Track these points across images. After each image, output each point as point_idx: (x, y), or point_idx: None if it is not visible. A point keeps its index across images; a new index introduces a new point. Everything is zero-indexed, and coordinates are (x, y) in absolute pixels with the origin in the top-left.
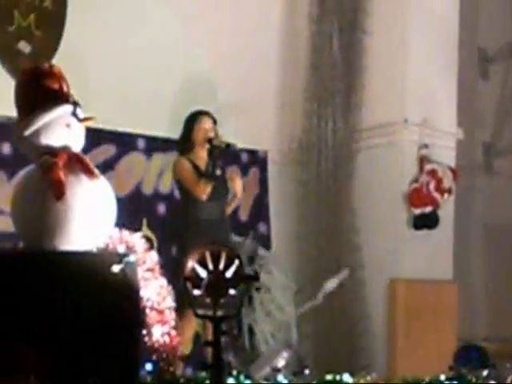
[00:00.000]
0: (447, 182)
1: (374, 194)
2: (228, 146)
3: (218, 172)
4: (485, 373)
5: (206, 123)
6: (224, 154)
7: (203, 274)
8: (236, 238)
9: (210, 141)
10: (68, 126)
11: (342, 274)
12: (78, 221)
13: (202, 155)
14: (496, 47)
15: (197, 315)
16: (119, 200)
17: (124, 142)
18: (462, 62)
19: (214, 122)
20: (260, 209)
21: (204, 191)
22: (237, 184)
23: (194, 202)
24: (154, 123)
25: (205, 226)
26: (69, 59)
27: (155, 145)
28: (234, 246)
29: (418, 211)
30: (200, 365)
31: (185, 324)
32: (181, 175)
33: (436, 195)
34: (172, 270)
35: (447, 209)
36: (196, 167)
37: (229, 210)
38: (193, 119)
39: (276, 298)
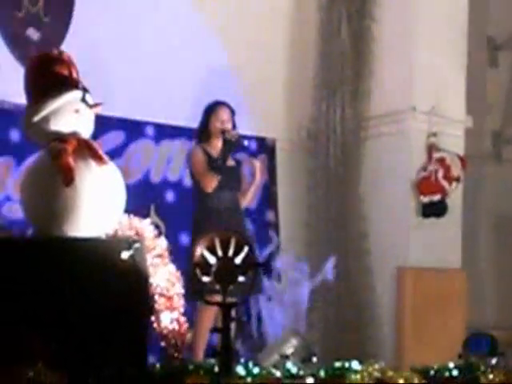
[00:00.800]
0: (456, 170)
1: (382, 182)
2: (237, 136)
3: (232, 163)
4: (494, 361)
5: (224, 114)
6: (235, 147)
7: (212, 260)
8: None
9: (223, 133)
10: (77, 111)
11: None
12: (87, 207)
13: (217, 145)
14: (505, 35)
15: (206, 302)
16: (127, 187)
17: (133, 129)
18: (471, 50)
19: (232, 112)
20: (268, 197)
21: (210, 183)
22: (257, 167)
23: (205, 191)
24: (163, 110)
25: (217, 215)
26: (78, 46)
27: (164, 132)
28: (246, 235)
29: (426, 199)
30: (209, 351)
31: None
32: (192, 165)
33: (444, 183)
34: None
35: (455, 197)
36: (210, 157)
37: (249, 197)
38: (210, 109)
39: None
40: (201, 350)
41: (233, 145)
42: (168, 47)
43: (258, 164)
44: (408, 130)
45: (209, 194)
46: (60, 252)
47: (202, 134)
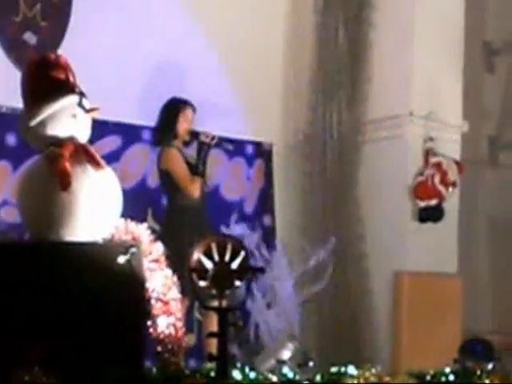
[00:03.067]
0: (452, 175)
1: (378, 187)
2: (213, 138)
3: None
4: (490, 366)
5: (190, 113)
6: (211, 148)
7: (209, 265)
8: (240, 229)
9: (196, 137)
10: (74, 116)
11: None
12: (83, 211)
13: (179, 146)
14: (502, 40)
15: (203, 306)
16: (124, 191)
17: (129, 133)
18: (468, 55)
19: (194, 111)
20: (265, 201)
21: (196, 189)
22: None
23: (178, 189)
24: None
25: (187, 212)
26: (74, 50)
27: None
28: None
29: (422, 204)
30: (206, 356)
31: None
32: (173, 169)
33: (441, 188)
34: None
35: (452, 202)
36: (185, 160)
37: None
38: (177, 109)
39: (280, 290)
40: None
41: (210, 147)
42: (164, 52)
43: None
44: (405, 134)
45: (179, 193)
46: (57, 256)
47: (166, 134)
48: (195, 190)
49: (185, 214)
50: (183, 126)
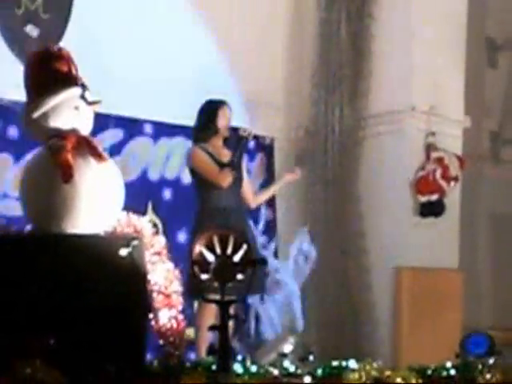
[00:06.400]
0: (454, 169)
1: (380, 182)
2: (250, 132)
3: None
4: (491, 361)
5: (228, 111)
6: (249, 141)
7: (211, 258)
8: None
9: (235, 131)
10: (76, 108)
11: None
12: (85, 204)
13: (218, 144)
14: (504, 36)
15: (204, 299)
16: (125, 185)
17: (131, 126)
18: (470, 50)
19: (230, 109)
20: None
21: (226, 180)
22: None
23: (211, 190)
24: (162, 109)
25: (219, 215)
26: (76, 43)
27: (162, 130)
28: (251, 234)
29: (424, 199)
30: (207, 349)
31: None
32: (199, 166)
33: (442, 183)
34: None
35: (453, 197)
36: (211, 155)
37: (261, 199)
38: (216, 106)
39: (282, 284)
40: (203, 348)
41: (247, 142)
42: (167, 46)
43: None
44: (406, 129)
45: (213, 192)
46: (58, 249)
47: (204, 132)
48: (224, 180)
49: (215, 214)
50: (222, 123)
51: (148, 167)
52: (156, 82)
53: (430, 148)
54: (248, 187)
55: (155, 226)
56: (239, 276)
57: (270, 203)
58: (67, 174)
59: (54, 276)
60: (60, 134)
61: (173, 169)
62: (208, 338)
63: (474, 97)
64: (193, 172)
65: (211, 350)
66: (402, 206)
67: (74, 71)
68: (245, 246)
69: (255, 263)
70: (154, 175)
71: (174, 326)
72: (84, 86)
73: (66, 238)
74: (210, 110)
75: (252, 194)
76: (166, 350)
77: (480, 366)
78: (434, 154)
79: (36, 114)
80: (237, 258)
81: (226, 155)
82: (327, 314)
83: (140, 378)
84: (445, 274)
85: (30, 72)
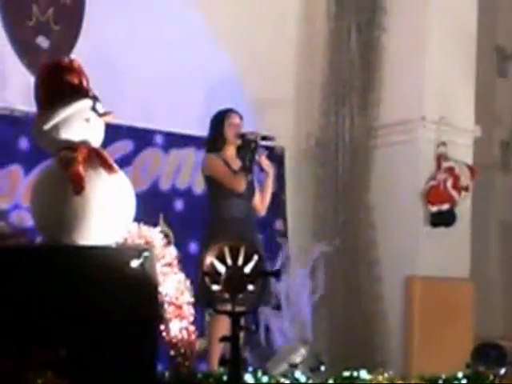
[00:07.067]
0: (464, 179)
1: (391, 191)
2: (264, 138)
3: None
4: (502, 371)
5: (236, 118)
6: (258, 147)
7: (222, 269)
8: None
9: (242, 136)
10: (87, 120)
11: None
12: (96, 215)
13: (230, 153)
14: None
15: (215, 310)
16: (136, 196)
17: (142, 137)
18: (480, 59)
19: (241, 118)
20: (277, 205)
21: (241, 184)
22: (265, 164)
23: (224, 199)
24: (172, 119)
25: (232, 224)
26: (87, 55)
27: (173, 141)
28: (257, 244)
29: (435, 209)
30: (219, 360)
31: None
32: (214, 171)
33: (453, 193)
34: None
35: (464, 206)
36: (227, 164)
37: (266, 200)
38: (222, 116)
39: (291, 294)
40: (215, 359)
41: (256, 144)
42: (177, 56)
43: (267, 162)
44: (417, 139)
45: (226, 202)
46: (70, 260)
47: (214, 143)
48: (239, 185)
49: (228, 224)
50: (230, 132)
51: (159, 178)
52: (166, 93)
53: (440, 158)
54: (258, 198)
55: (166, 236)
56: (250, 287)
57: (281, 214)
58: (78, 186)
59: (65, 287)
60: (71, 146)
61: (184, 179)
62: (220, 349)
63: (484, 106)
64: (208, 180)
65: (224, 361)
66: (413, 215)
67: (85, 83)
68: (256, 257)
69: (267, 274)
70: (165, 186)
71: (185, 336)
72: (95, 98)
73: (78, 249)
74: (217, 120)
75: (259, 203)
76: (177, 361)
77: (491, 377)
78: (445, 164)
79: (47, 126)
80: (248, 269)
81: (238, 163)
82: (338, 324)
83: None
84: (456, 283)
85: (41, 84)
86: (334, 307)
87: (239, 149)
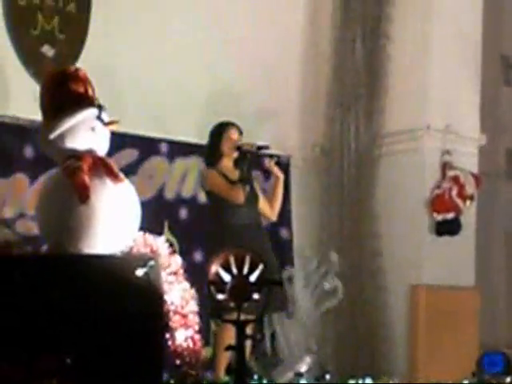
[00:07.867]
0: (469, 188)
1: (396, 200)
2: (259, 148)
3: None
4: (508, 379)
5: (234, 133)
6: (254, 158)
7: (227, 278)
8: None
9: (238, 148)
10: (93, 129)
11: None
12: (102, 224)
13: (228, 166)
14: None
15: (221, 319)
16: (141, 204)
17: (147, 146)
18: (485, 68)
19: (240, 132)
20: (282, 214)
21: (240, 195)
22: (275, 169)
23: (227, 208)
24: (177, 128)
25: (239, 231)
26: (92, 63)
27: (178, 149)
28: (269, 251)
29: (440, 217)
30: (226, 369)
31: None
32: (213, 186)
33: (458, 201)
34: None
35: (469, 215)
36: (225, 177)
37: (277, 204)
38: (220, 129)
39: (298, 303)
40: (222, 367)
41: (253, 155)
42: (182, 65)
43: (276, 168)
44: (422, 147)
45: (230, 210)
46: (75, 269)
47: (211, 156)
48: (237, 197)
49: (232, 233)
50: (227, 145)
51: (164, 186)
52: (172, 102)
53: (445, 166)
54: (265, 204)
55: (171, 245)
56: (255, 296)
57: (287, 222)
58: (84, 195)
59: (70, 296)
60: (76, 155)
61: (189, 188)
62: (227, 358)
63: (489, 115)
64: (209, 194)
65: (230, 370)
66: (418, 224)
67: (90, 92)
68: (261, 266)
69: (272, 283)
70: (169, 194)
71: (191, 345)
72: (100, 107)
73: (83, 258)
74: (215, 133)
75: (269, 208)
76: (182, 370)
77: None
78: (450, 173)
79: (52, 135)
80: (253, 277)
81: (237, 174)
82: (344, 332)
83: None
84: (461, 292)
85: (46, 93)
86: (340, 316)
87: (237, 161)
